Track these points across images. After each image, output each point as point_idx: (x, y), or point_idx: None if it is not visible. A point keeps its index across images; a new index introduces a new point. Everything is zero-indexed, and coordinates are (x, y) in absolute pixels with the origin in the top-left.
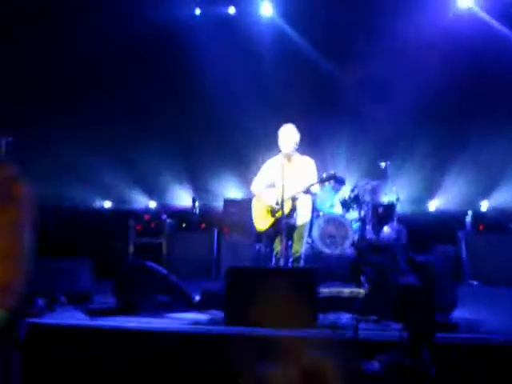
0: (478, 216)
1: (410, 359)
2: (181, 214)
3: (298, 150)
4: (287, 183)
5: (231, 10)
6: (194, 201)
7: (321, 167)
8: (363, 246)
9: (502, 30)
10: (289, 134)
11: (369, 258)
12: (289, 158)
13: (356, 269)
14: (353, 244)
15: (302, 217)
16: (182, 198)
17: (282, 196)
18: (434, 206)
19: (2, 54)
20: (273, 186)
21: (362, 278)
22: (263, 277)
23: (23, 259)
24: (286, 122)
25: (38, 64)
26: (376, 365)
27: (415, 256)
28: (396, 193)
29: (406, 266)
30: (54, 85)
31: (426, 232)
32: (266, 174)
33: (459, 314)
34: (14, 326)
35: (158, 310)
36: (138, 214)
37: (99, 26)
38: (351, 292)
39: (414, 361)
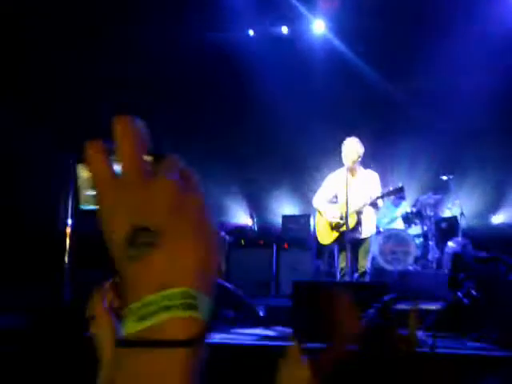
0: None
1: None
2: (239, 231)
3: (361, 163)
4: (351, 197)
5: (284, 30)
6: (252, 217)
7: (382, 183)
8: (465, 259)
9: None
10: (352, 147)
11: (476, 270)
12: (352, 171)
13: (454, 283)
14: (416, 260)
15: (367, 230)
16: (240, 215)
17: (347, 210)
18: (498, 220)
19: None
20: (335, 200)
21: (460, 293)
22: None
23: (215, 238)
24: (345, 137)
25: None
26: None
27: None
28: (460, 206)
29: None
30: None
31: (491, 247)
32: (329, 188)
33: None
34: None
35: (225, 325)
36: None
37: (151, 50)
38: (423, 308)
39: None
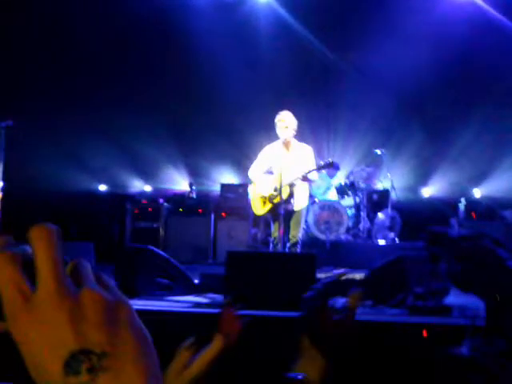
0: (471, 203)
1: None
2: (178, 199)
3: (295, 136)
4: (285, 170)
5: None
6: (191, 185)
7: (317, 154)
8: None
9: (498, 18)
10: (286, 121)
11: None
12: (287, 144)
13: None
14: (348, 230)
15: (300, 203)
16: (179, 182)
17: (281, 182)
18: (427, 193)
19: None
20: (270, 172)
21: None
22: (264, 261)
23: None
24: (283, 108)
25: (37, 51)
26: (465, 349)
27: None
28: (391, 180)
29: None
30: (52, 72)
31: (419, 219)
32: (264, 160)
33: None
34: None
35: (159, 293)
36: (134, 198)
37: (92, 11)
38: (347, 277)
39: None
